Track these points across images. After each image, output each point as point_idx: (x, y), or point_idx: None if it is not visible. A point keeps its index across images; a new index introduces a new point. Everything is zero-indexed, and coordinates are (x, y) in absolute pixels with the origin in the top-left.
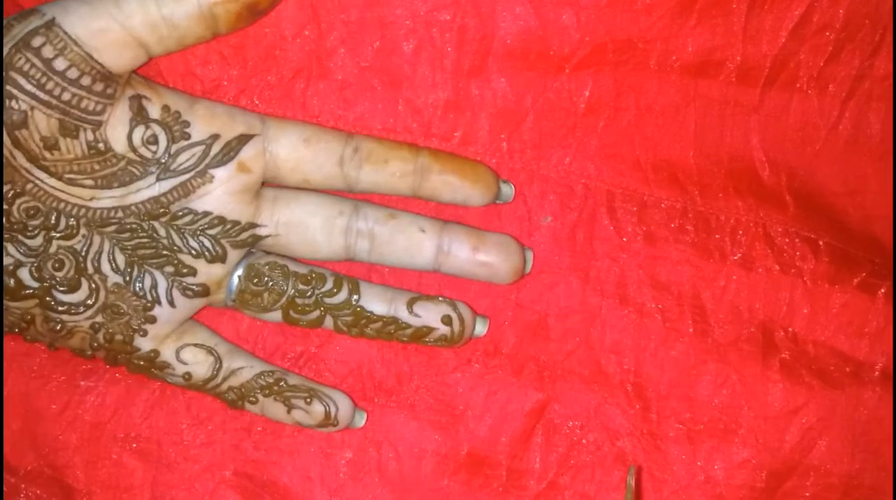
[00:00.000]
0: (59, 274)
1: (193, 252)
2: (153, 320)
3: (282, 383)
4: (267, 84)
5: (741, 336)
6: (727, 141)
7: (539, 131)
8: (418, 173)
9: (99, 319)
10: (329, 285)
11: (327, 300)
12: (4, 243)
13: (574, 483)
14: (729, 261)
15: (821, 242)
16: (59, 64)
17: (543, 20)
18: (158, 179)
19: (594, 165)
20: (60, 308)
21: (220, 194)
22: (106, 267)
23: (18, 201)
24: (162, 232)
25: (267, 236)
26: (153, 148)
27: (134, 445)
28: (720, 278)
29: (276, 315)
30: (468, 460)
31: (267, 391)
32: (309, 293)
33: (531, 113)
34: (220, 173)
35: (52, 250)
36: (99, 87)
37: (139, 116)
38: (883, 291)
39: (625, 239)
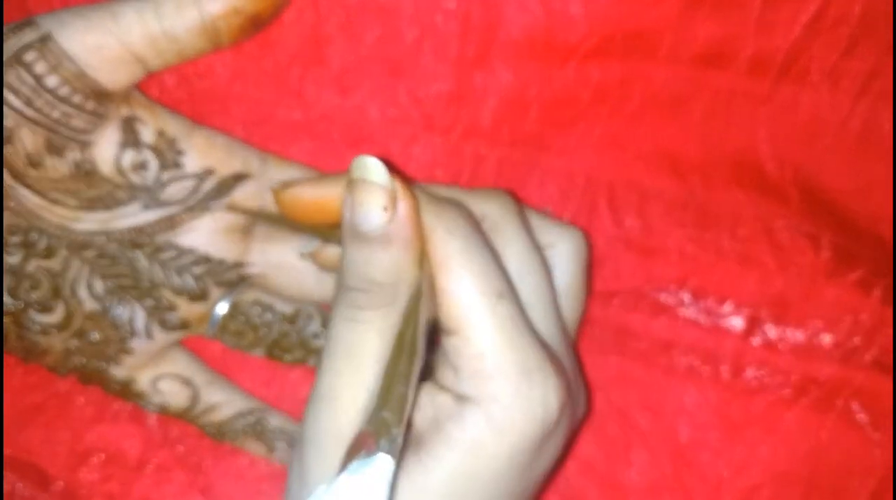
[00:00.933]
0: (35, 294)
1: (175, 288)
2: (129, 350)
3: (262, 425)
4: (262, 70)
5: (730, 321)
6: (733, 133)
7: (542, 122)
8: None
9: (73, 342)
10: (316, 326)
11: (313, 342)
12: None
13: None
14: (726, 255)
15: (823, 239)
16: (51, 81)
17: (550, 10)
18: (145, 208)
19: (596, 156)
20: (34, 327)
21: (207, 231)
22: (83, 292)
23: None
24: (144, 263)
25: (255, 276)
26: (143, 174)
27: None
28: (716, 271)
29: (260, 351)
30: None
31: (247, 431)
32: (294, 333)
33: (535, 104)
34: (209, 210)
35: (31, 268)
36: (91, 105)
37: (130, 138)
38: (879, 289)
39: (624, 230)
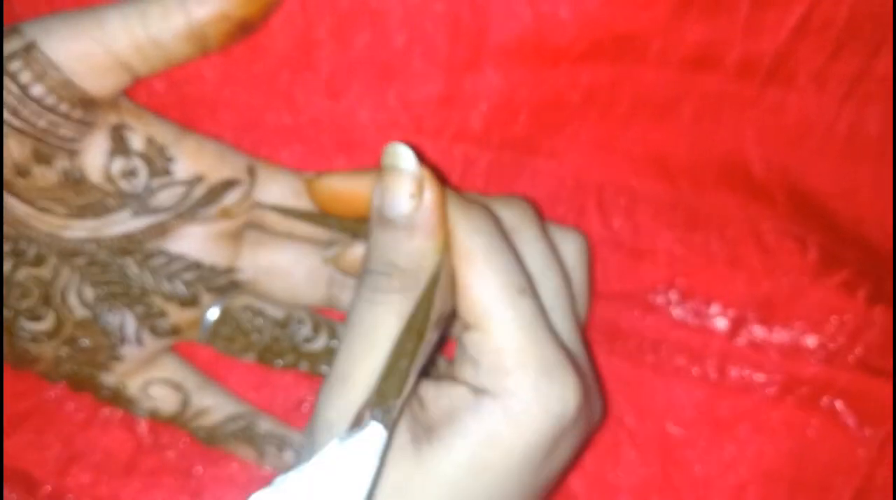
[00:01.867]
0: (26, 302)
1: (165, 295)
2: (119, 357)
3: (251, 430)
4: (251, 75)
5: (716, 321)
6: (722, 136)
7: (532, 125)
8: None
9: (64, 350)
10: (307, 330)
11: (304, 346)
12: None
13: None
14: (714, 256)
15: (809, 241)
16: (36, 90)
17: (539, 14)
18: (135, 215)
19: (585, 158)
20: (25, 335)
21: (197, 237)
22: (74, 300)
23: None
24: (134, 270)
25: (246, 281)
26: (132, 181)
27: None
28: (704, 273)
29: (251, 356)
30: None
31: (237, 436)
32: (285, 338)
33: (525, 108)
34: (199, 217)
35: (21, 277)
36: (78, 113)
37: (119, 146)
38: (864, 290)
39: (613, 232)
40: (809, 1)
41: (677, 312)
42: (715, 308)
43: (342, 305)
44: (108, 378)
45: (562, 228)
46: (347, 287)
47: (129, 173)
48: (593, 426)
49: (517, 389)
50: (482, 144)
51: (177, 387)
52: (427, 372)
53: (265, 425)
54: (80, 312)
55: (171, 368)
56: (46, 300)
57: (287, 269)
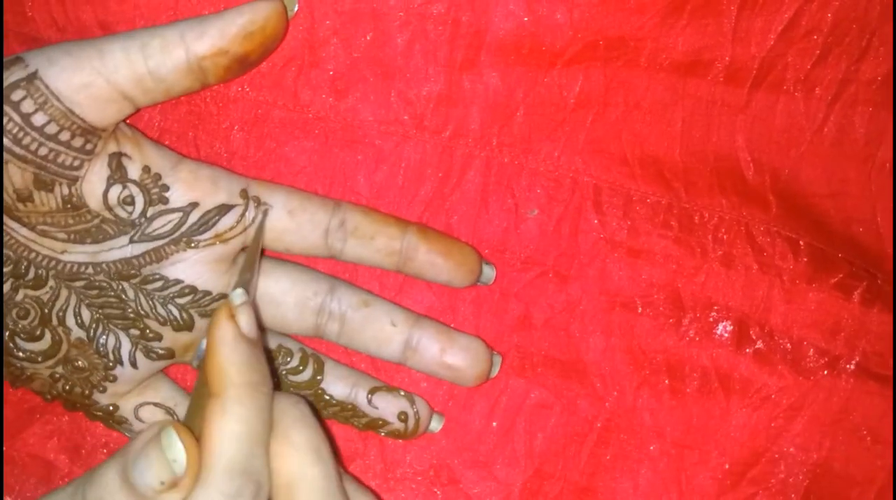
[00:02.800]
0: (23, 322)
1: (160, 319)
2: (113, 378)
3: None
4: (257, 71)
5: (716, 329)
6: (713, 140)
7: (529, 125)
8: (404, 251)
9: (59, 370)
10: (295, 362)
11: (291, 378)
12: None
13: (558, 471)
14: (710, 257)
15: (801, 243)
16: (38, 119)
17: (536, 16)
18: (132, 241)
19: (582, 159)
20: (21, 355)
21: (193, 263)
22: (71, 321)
23: None
24: (131, 294)
25: None
26: (129, 209)
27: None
28: (700, 273)
29: None
30: (456, 446)
31: None
32: (273, 369)
33: (522, 107)
34: (195, 242)
35: (19, 298)
36: (78, 142)
37: (117, 174)
38: (859, 291)
39: (609, 233)
40: (796, 7)
41: (676, 318)
42: (714, 314)
43: (330, 336)
44: (102, 399)
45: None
46: (335, 320)
47: (127, 201)
48: None
49: None
50: (481, 142)
51: (168, 411)
52: None
53: None
54: (76, 332)
55: (164, 392)
56: (43, 321)
57: (277, 297)
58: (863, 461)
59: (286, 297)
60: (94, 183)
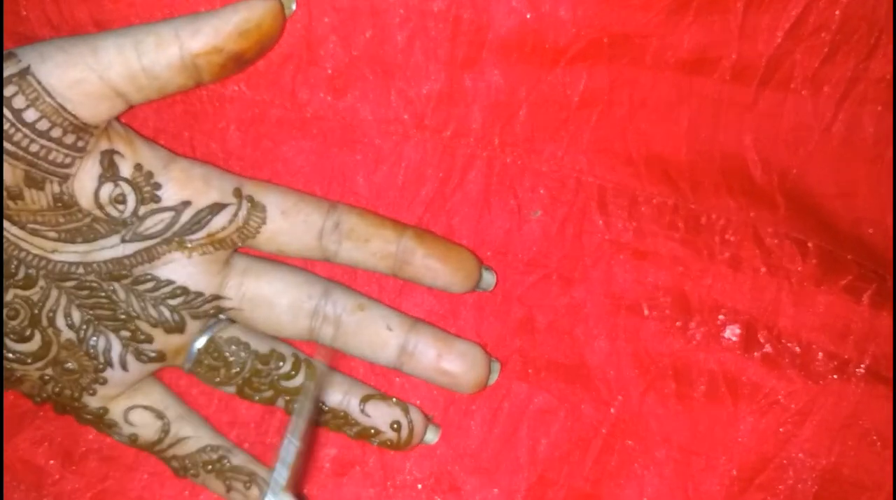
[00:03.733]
0: (12, 323)
1: (151, 320)
2: (103, 381)
3: (224, 462)
4: (254, 70)
5: (724, 333)
6: (720, 139)
7: (532, 124)
8: (400, 255)
9: (49, 371)
10: (287, 367)
11: (283, 383)
12: None
13: (562, 477)
14: (717, 259)
15: (810, 244)
16: (30, 115)
17: (539, 13)
18: (123, 241)
19: (586, 159)
20: (10, 356)
21: (185, 263)
22: (61, 322)
23: None
24: (122, 295)
25: (230, 309)
26: (120, 207)
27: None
28: (707, 276)
29: (231, 389)
30: (457, 452)
31: (209, 468)
32: (265, 374)
33: (524, 106)
34: (188, 242)
35: (8, 298)
36: (70, 139)
37: (109, 172)
38: (868, 294)
39: (614, 234)
40: (804, 4)
41: (682, 321)
42: (722, 317)
43: (324, 340)
44: (92, 402)
45: None
46: (330, 323)
47: (118, 199)
48: None
49: None
50: (483, 142)
51: (159, 415)
52: None
53: (237, 459)
54: (66, 334)
55: (154, 396)
56: (33, 322)
57: (270, 299)
58: (872, 467)
59: (279, 299)
60: (85, 181)
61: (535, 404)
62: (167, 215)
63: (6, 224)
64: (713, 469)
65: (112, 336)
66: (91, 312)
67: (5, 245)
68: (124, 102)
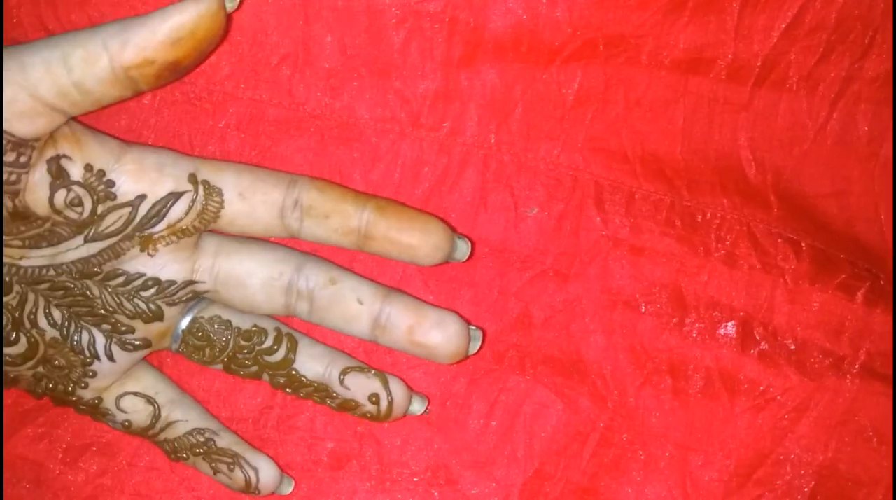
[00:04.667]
0: None
1: (128, 313)
2: (93, 374)
3: (210, 444)
4: (252, 70)
5: (720, 330)
6: (715, 138)
7: (528, 123)
8: (363, 230)
9: (40, 370)
10: (269, 342)
11: (265, 358)
12: None
13: (559, 471)
14: (713, 257)
15: (803, 244)
16: None
17: (534, 13)
18: (87, 241)
19: (582, 156)
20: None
21: (153, 254)
22: (43, 322)
23: None
24: (96, 291)
25: (206, 292)
26: (78, 209)
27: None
28: (703, 272)
29: (219, 366)
30: (454, 446)
31: (196, 450)
32: (248, 349)
33: (520, 104)
34: (150, 234)
35: None
36: (11, 157)
37: (59, 179)
38: (862, 292)
39: (611, 230)
40: (800, 4)
41: (679, 318)
42: (718, 314)
43: (302, 315)
44: (85, 394)
45: None
46: (304, 299)
47: (74, 202)
48: None
49: None
50: (479, 140)
51: (149, 400)
52: None
53: (223, 441)
54: (50, 332)
55: (145, 381)
56: (16, 325)
57: (242, 277)
58: (869, 462)
59: (251, 279)
60: (37, 192)
61: (532, 399)
62: (125, 211)
63: None
64: (711, 465)
65: (94, 330)
66: (69, 310)
67: None
68: (62, 115)
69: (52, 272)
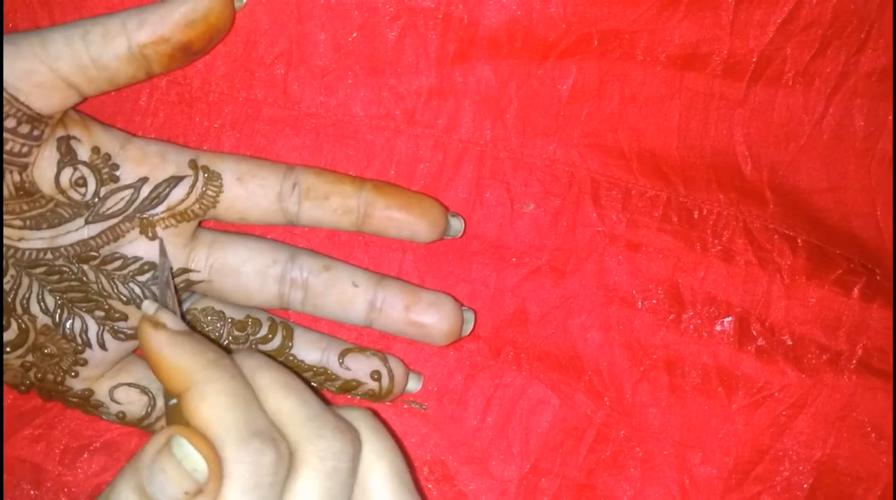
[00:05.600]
0: None
1: (123, 298)
2: (84, 362)
3: None
4: (246, 69)
5: (717, 326)
6: (711, 134)
7: (523, 119)
8: (362, 209)
9: (29, 358)
10: (264, 331)
11: (261, 346)
12: None
13: (556, 467)
14: (709, 252)
15: (799, 240)
16: None
17: (528, 8)
18: (87, 222)
19: (578, 152)
20: None
21: (152, 239)
22: (35, 308)
23: None
24: (91, 276)
25: (200, 282)
26: (82, 190)
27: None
28: (699, 268)
29: None
30: (451, 442)
31: None
32: (243, 339)
33: (515, 100)
34: (150, 218)
35: None
36: (25, 129)
37: (67, 157)
38: (858, 287)
39: (608, 226)
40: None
41: (676, 313)
42: (714, 310)
43: (295, 305)
44: (75, 384)
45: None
46: (298, 287)
47: (79, 182)
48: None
49: None
50: (475, 136)
51: (143, 390)
52: None
53: None
54: (42, 319)
55: (137, 372)
56: (8, 311)
57: (236, 267)
58: (867, 458)
59: (245, 267)
60: (44, 168)
61: (528, 395)
62: (127, 193)
63: None
64: (709, 461)
65: (87, 317)
66: (63, 295)
67: None
68: (77, 93)
69: (49, 255)
